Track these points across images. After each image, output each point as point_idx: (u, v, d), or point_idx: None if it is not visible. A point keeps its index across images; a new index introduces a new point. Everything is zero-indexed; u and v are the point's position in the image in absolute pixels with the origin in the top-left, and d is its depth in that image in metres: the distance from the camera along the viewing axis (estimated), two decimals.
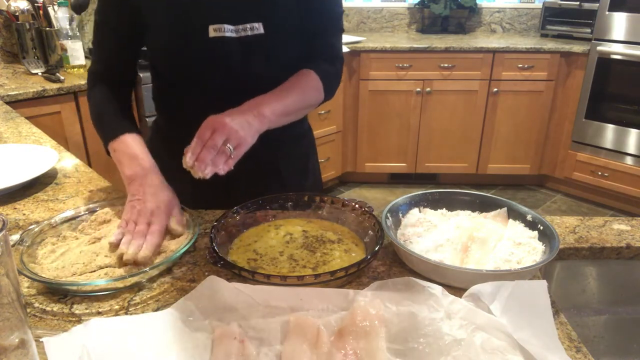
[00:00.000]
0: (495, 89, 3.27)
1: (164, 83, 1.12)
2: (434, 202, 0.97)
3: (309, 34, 1.05)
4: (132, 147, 0.99)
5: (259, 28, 0.98)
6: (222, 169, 0.81)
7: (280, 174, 1.17)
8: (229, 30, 0.97)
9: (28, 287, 0.78)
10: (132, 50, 1.09)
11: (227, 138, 0.82)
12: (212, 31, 0.97)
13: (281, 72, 1.03)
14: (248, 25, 0.98)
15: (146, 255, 0.81)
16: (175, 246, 0.85)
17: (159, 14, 1.00)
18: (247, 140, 0.85)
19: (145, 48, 1.09)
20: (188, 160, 0.81)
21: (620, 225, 0.99)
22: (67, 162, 1.28)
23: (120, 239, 0.84)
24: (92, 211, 0.95)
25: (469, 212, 0.95)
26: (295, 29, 1.03)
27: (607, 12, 3.03)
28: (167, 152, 1.17)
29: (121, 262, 0.81)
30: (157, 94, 1.14)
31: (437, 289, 0.73)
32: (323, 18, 1.07)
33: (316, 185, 1.28)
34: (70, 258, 0.82)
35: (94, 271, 0.79)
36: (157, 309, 0.74)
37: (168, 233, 0.90)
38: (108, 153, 1.03)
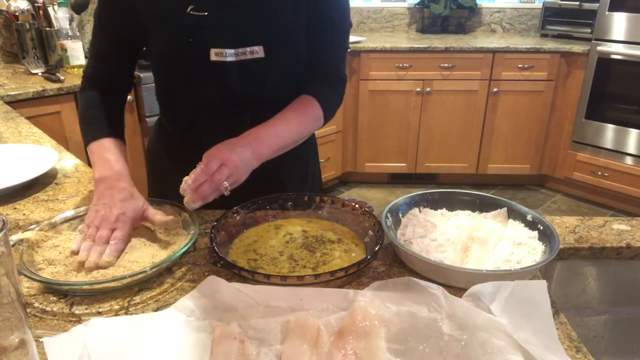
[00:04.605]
0: (495, 89, 3.26)
1: (164, 86, 1.11)
2: (434, 202, 0.97)
3: (313, 54, 1.04)
4: (106, 150, 0.97)
5: (259, 52, 0.98)
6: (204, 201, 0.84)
7: (281, 179, 1.15)
8: (229, 55, 0.97)
9: (28, 287, 0.78)
10: (129, 55, 1.08)
11: (230, 174, 0.84)
12: (214, 55, 0.97)
13: (280, 92, 1.03)
14: (248, 49, 0.97)
15: (109, 261, 0.80)
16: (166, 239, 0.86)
17: (160, 27, 0.99)
18: (242, 179, 0.87)
19: (145, 48, 1.08)
20: (186, 188, 0.82)
21: (620, 225, 0.99)
22: (67, 162, 1.28)
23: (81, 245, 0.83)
24: None
25: (469, 212, 0.95)
26: (298, 51, 1.03)
27: (607, 12, 3.02)
28: (167, 152, 1.17)
29: (81, 268, 0.79)
30: (159, 94, 1.14)
31: (437, 289, 0.73)
32: (329, 39, 1.05)
33: (315, 189, 1.27)
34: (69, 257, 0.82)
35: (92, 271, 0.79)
36: (157, 309, 0.74)
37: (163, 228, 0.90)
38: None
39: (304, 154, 1.22)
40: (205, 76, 1.00)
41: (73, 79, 2.33)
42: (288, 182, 1.16)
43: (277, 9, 0.97)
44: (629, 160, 3.13)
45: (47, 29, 2.54)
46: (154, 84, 1.13)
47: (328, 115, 1.06)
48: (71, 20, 2.50)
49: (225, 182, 0.84)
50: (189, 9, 0.94)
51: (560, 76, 3.24)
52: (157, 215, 0.89)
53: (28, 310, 0.73)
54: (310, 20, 1.01)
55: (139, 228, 0.91)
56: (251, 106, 1.04)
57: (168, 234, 0.90)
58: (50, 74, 2.35)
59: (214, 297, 0.72)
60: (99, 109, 1.05)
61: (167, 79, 1.08)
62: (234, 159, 0.85)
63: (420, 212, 0.95)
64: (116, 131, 1.03)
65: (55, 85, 2.22)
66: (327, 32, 1.04)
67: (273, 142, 0.93)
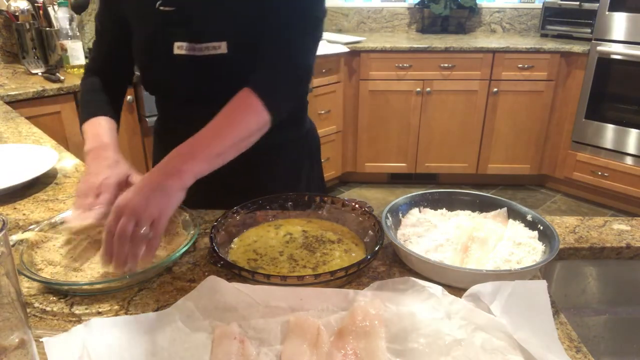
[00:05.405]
0: (495, 89, 3.26)
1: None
2: (434, 202, 0.97)
3: (267, 35, 0.94)
4: (98, 126, 1.02)
5: (222, 47, 0.97)
6: (148, 254, 0.75)
7: (265, 187, 1.07)
8: (191, 49, 0.98)
9: (28, 287, 0.78)
10: (129, 54, 1.10)
11: (137, 220, 0.73)
12: (176, 48, 0.99)
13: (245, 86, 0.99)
14: (211, 45, 0.97)
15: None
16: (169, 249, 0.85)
17: (134, 23, 1.04)
18: (165, 209, 0.76)
19: None
20: (104, 261, 0.74)
21: (620, 225, 0.99)
22: (67, 162, 1.28)
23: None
24: None
25: (469, 212, 0.95)
26: None
27: (607, 12, 3.02)
28: (167, 149, 1.18)
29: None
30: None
31: (437, 289, 0.73)
32: (285, 18, 0.94)
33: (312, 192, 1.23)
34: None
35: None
36: (157, 309, 0.74)
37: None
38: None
39: (295, 157, 1.18)
40: (171, 71, 1.03)
41: (73, 79, 2.33)
42: (273, 189, 1.03)
43: (244, 6, 0.96)
44: (629, 160, 3.13)
45: (47, 29, 2.54)
46: None
47: (272, 104, 0.90)
48: (71, 20, 2.50)
49: (145, 228, 0.73)
50: (157, 4, 0.97)
51: (560, 76, 3.24)
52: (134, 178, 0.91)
53: (28, 310, 0.73)
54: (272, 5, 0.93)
55: None
56: (220, 100, 1.00)
57: (168, 234, 0.90)
58: (50, 74, 2.35)
59: (214, 297, 0.72)
60: (96, 94, 1.10)
61: (144, 78, 1.11)
62: (127, 204, 0.74)
63: (420, 212, 0.95)
64: (111, 113, 1.06)
65: (55, 85, 2.22)
66: (288, 12, 0.94)
67: (206, 159, 0.83)
